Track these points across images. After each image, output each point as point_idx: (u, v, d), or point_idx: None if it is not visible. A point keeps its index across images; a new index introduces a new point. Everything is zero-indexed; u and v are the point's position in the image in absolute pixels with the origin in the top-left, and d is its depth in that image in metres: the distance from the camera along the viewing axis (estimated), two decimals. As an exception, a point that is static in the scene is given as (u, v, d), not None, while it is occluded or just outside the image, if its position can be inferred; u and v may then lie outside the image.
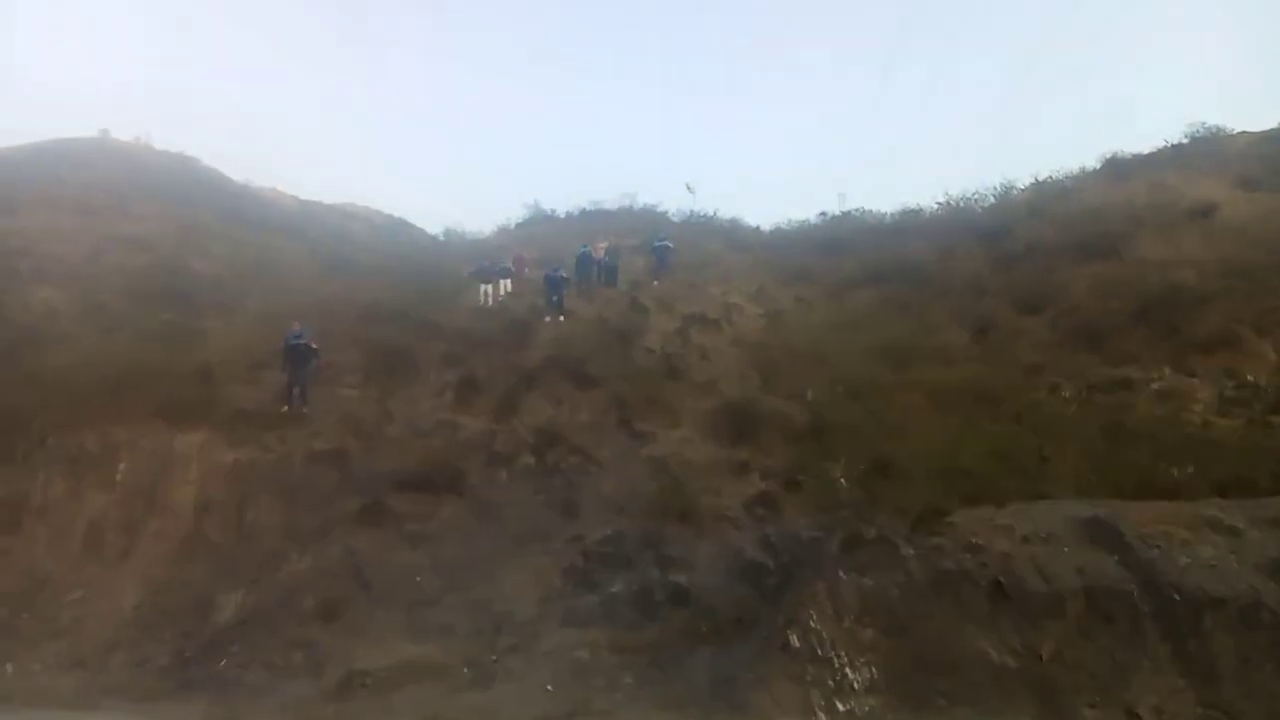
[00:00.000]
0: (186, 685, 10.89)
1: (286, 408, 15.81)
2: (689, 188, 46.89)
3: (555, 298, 20.81)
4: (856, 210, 31.70)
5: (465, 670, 10.18)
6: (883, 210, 31.13)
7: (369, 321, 19.54)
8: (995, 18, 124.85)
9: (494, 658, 10.33)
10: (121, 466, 14.49)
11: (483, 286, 22.56)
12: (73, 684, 11.21)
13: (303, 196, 40.85)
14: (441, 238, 37.37)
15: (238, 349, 18.09)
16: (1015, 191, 28.77)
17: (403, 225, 41.45)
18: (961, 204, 28.79)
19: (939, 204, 29.54)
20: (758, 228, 32.91)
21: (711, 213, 33.41)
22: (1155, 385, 14.85)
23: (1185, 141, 29.40)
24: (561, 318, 20.37)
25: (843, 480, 12.81)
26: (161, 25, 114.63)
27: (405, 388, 17.21)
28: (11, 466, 14.68)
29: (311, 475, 14.20)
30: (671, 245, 25.14)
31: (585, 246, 24.02)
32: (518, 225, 34.34)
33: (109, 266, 24.43)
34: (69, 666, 11.65)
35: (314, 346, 16.06)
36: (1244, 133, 30.11)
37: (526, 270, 24.43)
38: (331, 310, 19.50)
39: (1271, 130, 30.00)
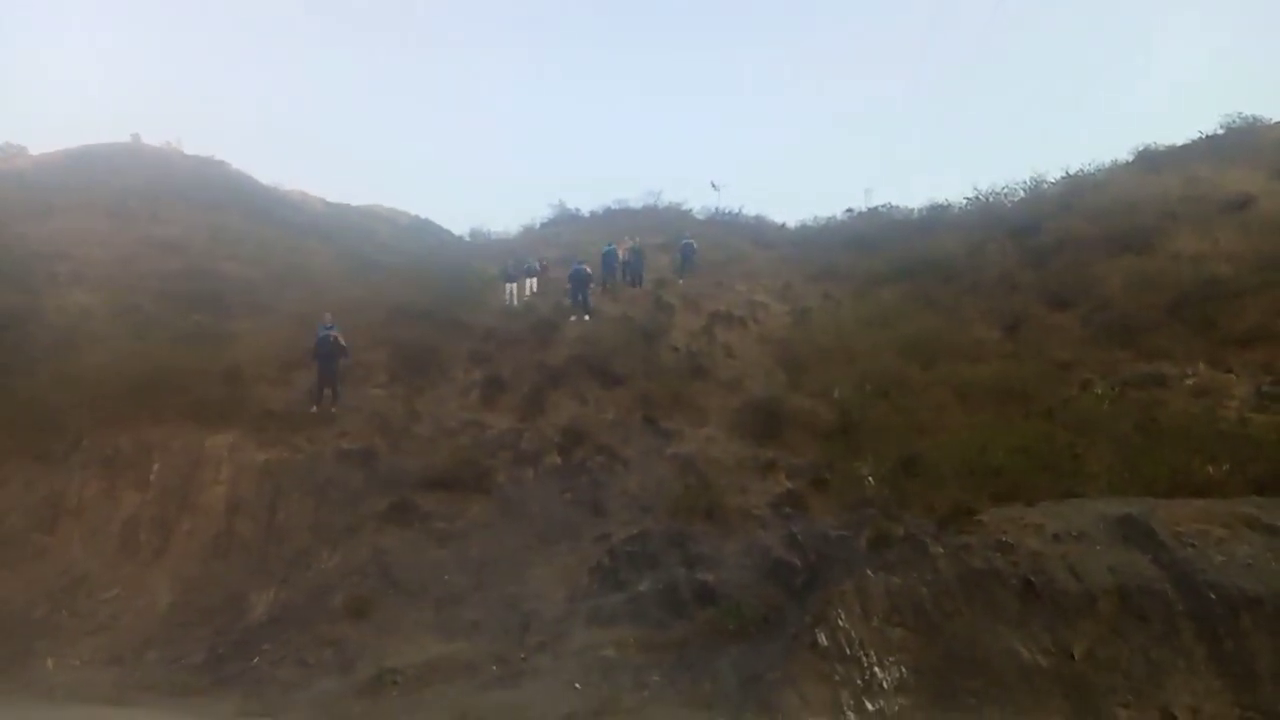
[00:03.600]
0: (220, 681, 11.02)
1: (315, 408, 15.97)
2: (714, 185, 46.95)
3: (580, 296, 20.86)
4: (884, 206, 31.58)
5: (494, 668, 10.21)
6: (910, 206, 30.96)
7: (396, 322, 19.72)
8: (1027, 11, 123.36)
9: (522, 655, 10.35)
10: (155, 466, 14.71)
11: (508, 286, 22.70)
12: (110, 679, 11.38)
13: (330, 199, 41.30)
14: (467, 238, 37.68)
15: (267, 350, 18.32)
16: (1046, 185, 28.40)
17: (428, 226, 41.84)
18: (991, 199, 28.53)
19: (968, 199, 29.33)
20: (784, 225, 32.94)
21: (737, 210, 33.49)
22: (1190, 381, 14.59)
23: (1220, 132, 28.85)
24: (587, 316, 20.42)
25: (870, 478, 12.70)
26: (186, 31, 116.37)
27: (432, 387, 17.36)
28: (48, 466, 14.95)
29: (340, 474, 14.34)
30: (695, 244, 25.12)
31: (610, 245, 24.08)
32: (543, 225, 34.62)
33: (142, 269, 24.84)
34: (106, 662, 11.84)
35: (343, 343, 16.20)
36: (1280, 123, 29.46)
37: (552, 270, 24.54)
38: (359, 311, 19.67)
39: (1311, 120, 29.32)
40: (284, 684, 10.68)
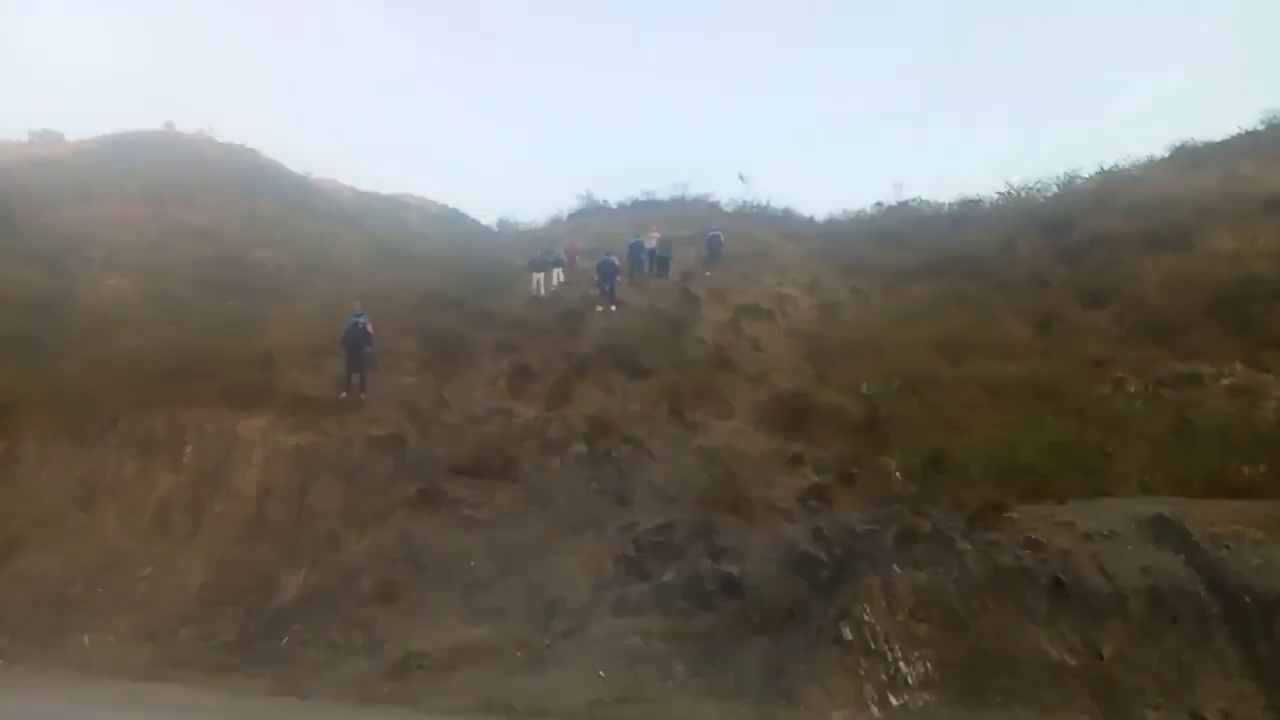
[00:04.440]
0: (251, 660, 11.22)
1: (345, 394, 16.14)
2: (742, 178, 46.76)
3: (607, 287, 20.87)
4: (914, 200, 31.26)
5: (519, 654, 10.31)
6: (941, 201, 30.64)
7: (425, 310, 19.89)
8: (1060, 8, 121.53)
9: (547, 642, 10.45)
10: (188, 449, 14.94)
11: (535, 276, 22.75)
12: (144, 656, 11.62)
13: (360, 187, 41.62)
14: (495, 228, 37.79)
15: (298, 336, 18.52)
16: (1079, 181, 28.00)
17: (457, 216, 42.07)
18: (1023, 194, 28.16)
19: (999, 194, 28.96)
20: (812, 218, 32.65)
21: (765, 203, 33.22)
22: (1226, 381, 14.35)
23: (1261, 129, 28.25)
24: (613, 307, 20.43)
25: (898, 474, 12.63)
26: (220, 18, 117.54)
27: (460, 375, 17.46)
28: (85, 446, 15.25)
29: (370, 460, 14.48)
30: (721, 235, 25.02)
31: (637, 237, 24.04)
32: (570, 216, 34.58)
33: (176, 255, 25.24)
34: (141, 639, 12.09)
35: (370, 330, 16.34)
36: (1324, 119, 28.81)
37: (579, 260, 24.56)
38: (388, 299, 19.84)
39: (1354, 116, 28.66)
40: (313, 664, 10.86)
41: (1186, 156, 27.90)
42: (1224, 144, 28.25)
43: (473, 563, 12.31)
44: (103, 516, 14.36)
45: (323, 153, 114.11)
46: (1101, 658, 7.46)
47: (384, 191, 42.87)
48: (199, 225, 28.24)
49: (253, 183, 34.19)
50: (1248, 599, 7.24)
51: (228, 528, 13.99)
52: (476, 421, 15.78)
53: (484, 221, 40.69)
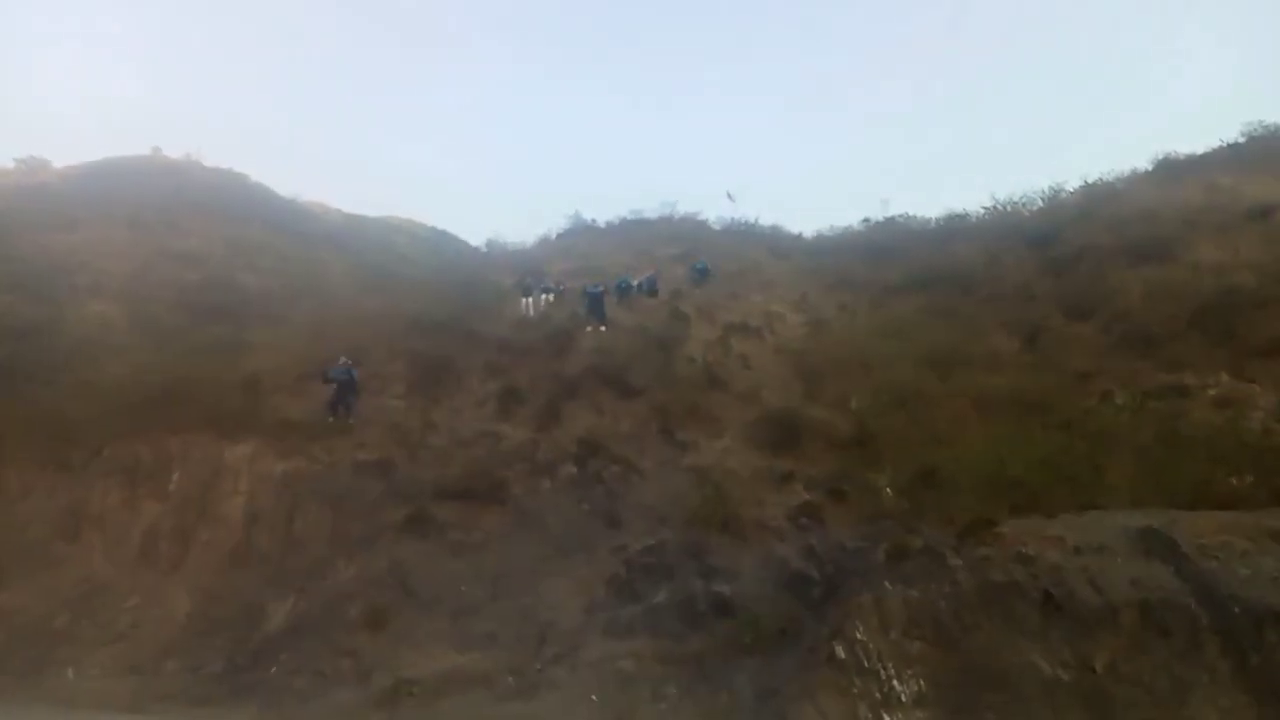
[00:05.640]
0: (238, 691, 11.07)
1: (332, 418, 16.06)
2: (730, 196, 47.02)
3: (596, 312, 20.86)
4: (901, 216, 31.45)
5: (510, 679, 10.21)
6: (927, 216, 30.82)
7: (413, 333, 19.82)
8: (1045, 19, 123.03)
9: (538, 667, 10.35)
10: (174, 477, 14.84)
11: (524, 300, 22.74)
12: (129, 689, 11.46)
13: (348, 210, 41.60)
14: (483, 249, 37.79)
15: (285, 361, 18.44)
16: (1064, 195, 28.22)
17: (445, 237, 42.06)
18: (1009, 208, 28.35)
19: (985, 209, 29.14)
20: (800, 235, 32.79)
21: (753, 220, 33.37)
22: (1212, 392, 14.40)
23: (1241, 141, 28.59)
24: (603, 327, 20.41)
25: (888, 490, 12.61)
26: (208, 45, 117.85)
27: (448, 398, 17.40)
28: (69, 476, 15.12)
29: (357, 485, 14.40)
30: (708, 267, 25.21)
31: (626, 277, 24.00)
32: (559, 236, 34.61)
33: (160, 280, 25.10)
34: (125, 672, 11.92)
35: (356, 379, 16.35)
36: (1303, 131, 29.19)
37: (568, 281, 24.57)
38: (376, 322, 19.81)
39: (1332, 128, 29.05)
40: (301, 694, 10.72)
41: (1169, 169, 28.17)
42: (1205, 157, 28.56)
43: (463, 587, 12.21)
44: (87, 547, 14.21)
45: (311, 176, 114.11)
46: (1094, 671, 7.40)
47: (372, 214, 42.88)
48: (185, 250, 28.11)
49: (239, 207, 34.08)
50: (1237, 610, 7.20)
51: (214, 556, 13.86)
52: (465, 444, 15.70)
53: (472, 243, 40.75)
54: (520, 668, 10.36)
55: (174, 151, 40.61)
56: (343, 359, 16.74)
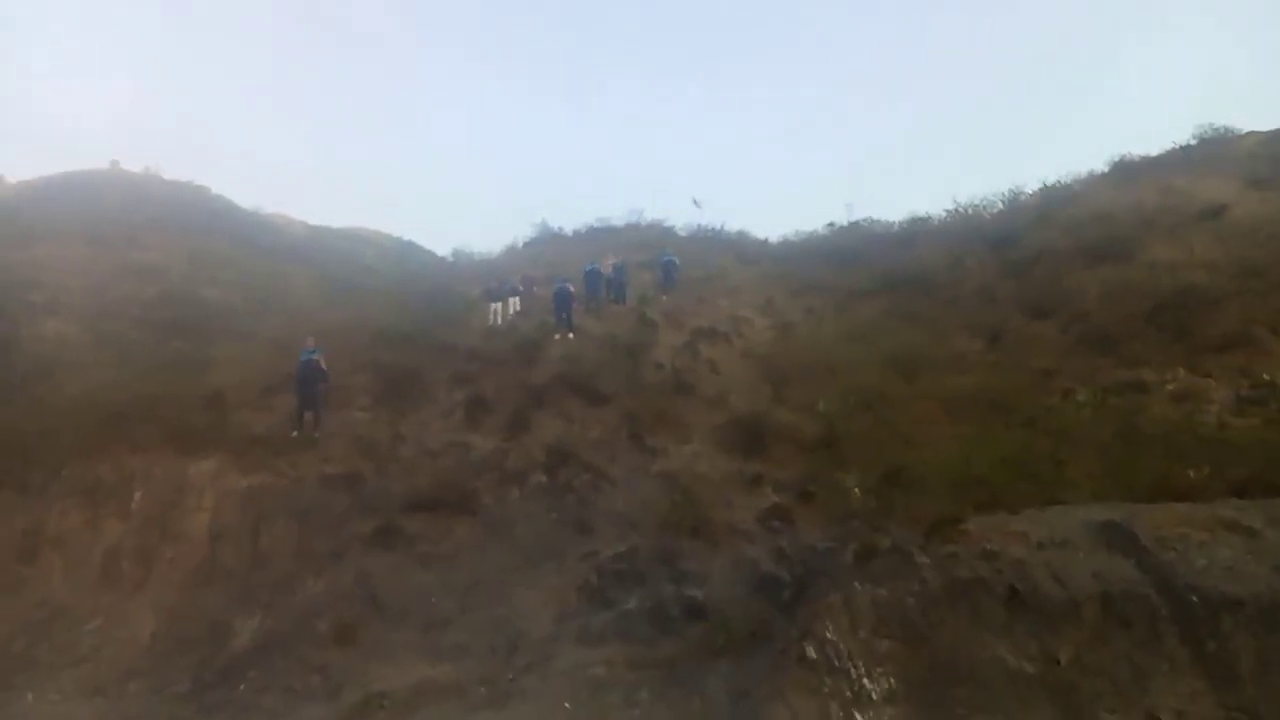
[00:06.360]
0: (205, 711, 10.87)
1: (296, 432, 15.86)
2: (696, 202, 47.36)
3: (564, 314, 20.88)
4: (864, 220, 31.91)
5: (482, 690, 10.12)
6: (891, 220, 31.28)
7: (379, 345, 19.66)
8: (1001, 27, 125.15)
9: (510, 677, 10.28)
10: (136, 495, 14.56)
11: (491, 306, 22.69)
12: (91, 712, 11.21)
13: (312, 222, 41.21)
14: (450, 259, 37.70)
15: (249, 375, 18.22)
16: (1023, 197, 28.78)
17: (411, 247, 41.85)
18: (970, 211, 28.86)
19: (947, 212, 29.67)
20: (765, 240, 33.17)
21: (719, 226, 33.64)
22: (1170, 387, 14.72)
23: (1194, 143, 29.36)
24: (570, 335, 20.42)
25: (856, 490, 12.70)
26: (167, 58, 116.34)
27: (416, 409, 17.26)
28: (28, 496, 14.79)
29: (324, 499, 14.23)
30: (677, 260, 25.28)
31: (593, 264, 24.10)
32: (525, 244, 34.67)
33: (120, 296, 24.73)
34: (88, 695, 11.66)
35: (324, 367, 16.16)
36: (1252, 133, 30.04)
37: (535, 289, 24.56)
38: (342, 334, 19.62)
39: None
40: (269, 712, 10.56)
41: (1125, 171, 28.82)
42: (1159, 158, 29.26)
43: (433, 599, 12.11)
44: (47, 568, 13.89)
45: (275, 189, 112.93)
46: (1058, 663, 7.52)
47: (336, 226, 42.51)
48: (145, 265, 27.68)
49: (201, 220, 33.65)
50: (1194, 599, 7.36)
51: (179, 575, 13.61)
52: (433, 455, 15.59)
53: (439, 253, 40.56)
54: (492, 678, 10.29)
55: (133, 165, 40.02)
56: (310, 340, 16.54)
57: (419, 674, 10.54)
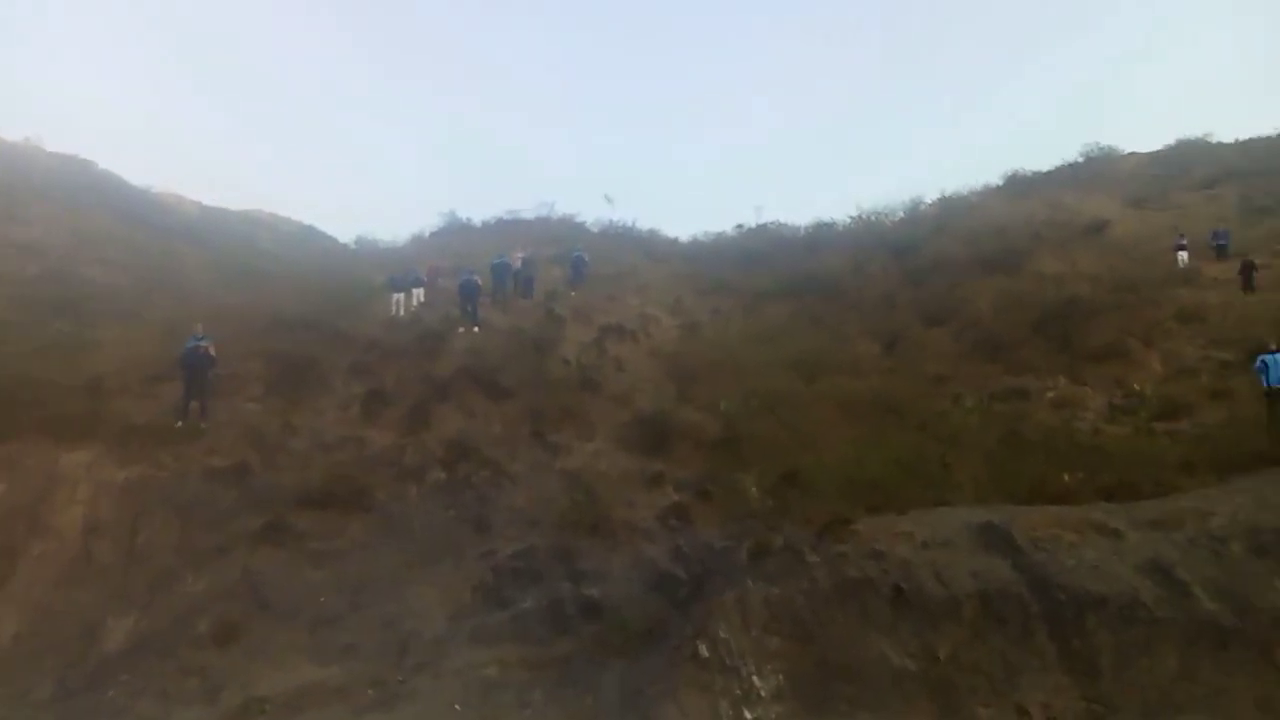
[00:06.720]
0: (71, 717, 10.26)
1: (181, 422, 15.11)
2: (608, 198, 47.34)
3: (469, 307, 20.51)
4: (772, 223, 32.48)
5: (370, 691, 9.87)
6: (797, 224, 31.96)
7: (273, 331, 18.84)
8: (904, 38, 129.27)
9: (400, 678, 10.05)
10: (1, 486, 13.61)
11: (394, 296, 22.11)
12: (-59, 720, 10.45)
13: (207, 203, 39.35)
14: (353, 246, 36.57)
15: (133, 361, 17.23)
16: (923, 207, 29.89)
17: (312, 232, 40.35)
18: (873, 218, 29.73)
19: (851, 218, 30.50)
20: (676, 239, 33.33)
21: (630, 223, 33.64)
22: (1050, 394, 15.50)
23: (1080, 161, 31.08)
24: (476, 328, 20.08)
25: (754, 490, 12.92)
26: (59, 30, 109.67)
27: (310, 400, 16.64)
28: (-121, 488, 13.66)
29: (209, 493, 13.59)
30: (587, 257, 25.18)
31: (501, 257, 23.75)
32: (432, 234, 33.95)
33: (-4, 273, 23.07)
34: (-62, 701, 10.86)
35: (212, 354, 15.45)
36: (1133, 154, 32.02)
37: (440, 280, 24.06)
38: (235, 319, 18.74)
39: (1158, 151, 32.03)
40: (142, 716, 10.02)
41: (1017, 185, 30.26)
42: (1050, 174, 30.85)
43: (322, 598, 11.72)
44: (-102, 565, 12.87)
45: (172, 168, 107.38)
46: (938, 660, 7.81)
47: (233, 207, 40.71)
48: (25, 241, 25.86)
49: (86, 195, 31.64)
50: (1063, 597, 7.77)
51: (48, 572, 12.77)
52: (327, 449, 15.07)
53: (341, 239, 39.31)
54: (381, 679, 10.03)
55: (11, 134, 37.44)
56: (199, 326, 15.78)
57: (304, 676, 10.20)
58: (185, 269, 27.60)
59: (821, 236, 29.67)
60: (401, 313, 21.77)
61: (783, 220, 32.74)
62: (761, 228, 32.29)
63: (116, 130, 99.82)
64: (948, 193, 30.73)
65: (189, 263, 28.56)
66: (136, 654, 11.21)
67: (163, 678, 10.66)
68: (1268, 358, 13.41)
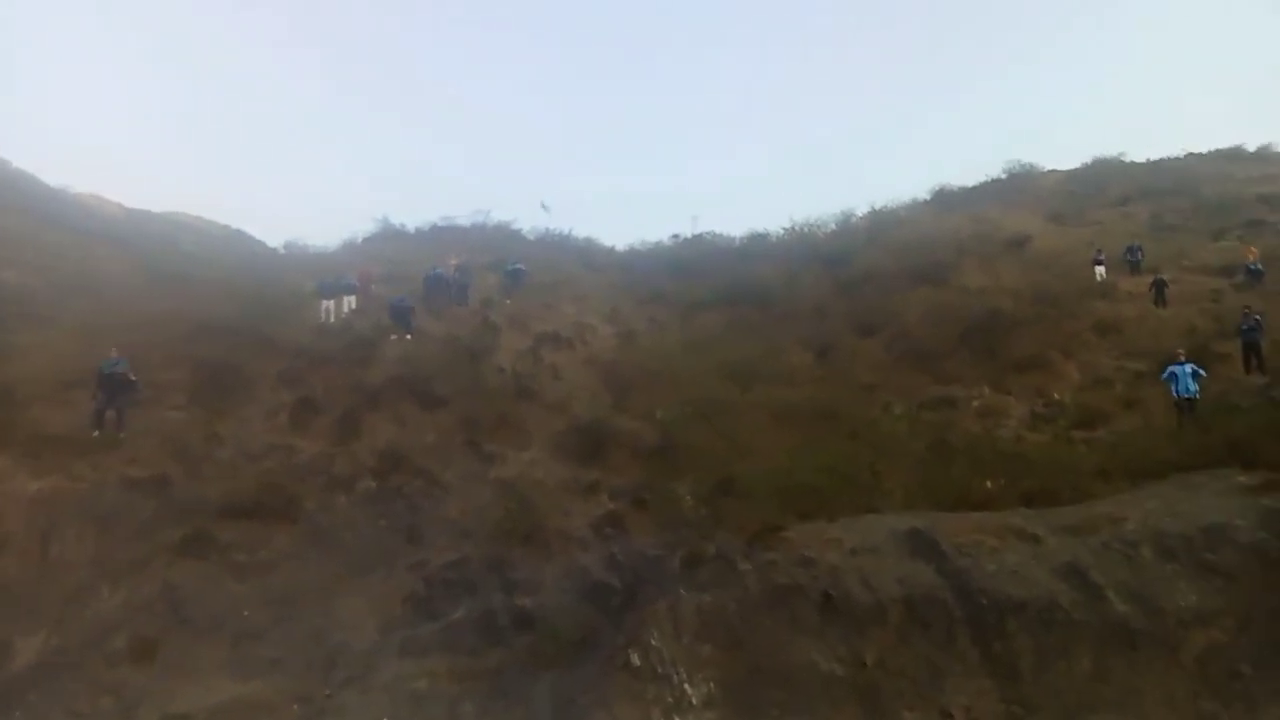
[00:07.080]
0: (-29, 741, 9.78)
1: (98, 432, 14.54)
2: (544, 206, 47.20)
3: (402, 320, 20.15)
4: (708, 233, 32.82)
5: (295, 707, 9.62)
6: (732, 235, 32.34)
7: (198, 338, 18.21)
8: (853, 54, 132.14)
9: (327, 693, 9.82)
10: (-101, 499, 12.91)
11: (325, 303, 21.63)
12: None
13: (129, 205, 37.97)
14: (282, 251, 35.60)
15: (47, 367, 16.49)
16: (854, 219, 30.54)
17: (239, 236, 39.11)
18: (805, 230, 30.25)
19: (785, 229, 30.97)
20: (613, 248, 33.36)
21: (566, 232, 33.54)
22: (976, 403, 15.96)
23: (1004, 177, 32.25)
24: (408, 335, 19.77)
25: (689, 498, 13.01)
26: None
27: (236, 409, 16.17)
28: None
29: (127, 504, 13.07)
30: (524, 269, 25.05)
31: (436, 269, 23.35)
32: (365, 240, 33.24)
33: (-105, 275, 21.91)
34: None
35: (133, 379, 14.92)
36: (1054, 171, 33.33)
37: (374, 286, 23.62)
38: (156, 325, 18.10)
39: (1076, 169, 33.38)
40: (51, 738, 9.62)
41: (944, 200, 31.15)
42: (975, 189, 31.84)
43: (245, 612, 11.37)
44: None
45: (93, 169, 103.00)
46: (865, 665, 7.95)
47: (156, 209, 39.32)
48: (-73, 242, 24.70)
49: (-3, 195, 30.38)
50: (984, 602, 7.99)
51: (-51, 588, 12.16)
52: (253, 458, 14.65)
53: (270, 244, 38.24)
54: (307, 694, 9.79)
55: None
56: (113, 351, 15.17)
57: (225, 692, 9.88)
58: (105, 272, 26.54)
59: (755, 247, 30.09)
60: (332, 319, 21.31)
61: (718, 231, 33.15)
62: (697, 238, 32.64)
63: (34, 129, 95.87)
64: (878, 206, 31.53)
65: (109, 266, 27.48)
66: (46, 672, 10.71)
67: (74, 697, 10.22)
68: (1176, 368, 14.04)
